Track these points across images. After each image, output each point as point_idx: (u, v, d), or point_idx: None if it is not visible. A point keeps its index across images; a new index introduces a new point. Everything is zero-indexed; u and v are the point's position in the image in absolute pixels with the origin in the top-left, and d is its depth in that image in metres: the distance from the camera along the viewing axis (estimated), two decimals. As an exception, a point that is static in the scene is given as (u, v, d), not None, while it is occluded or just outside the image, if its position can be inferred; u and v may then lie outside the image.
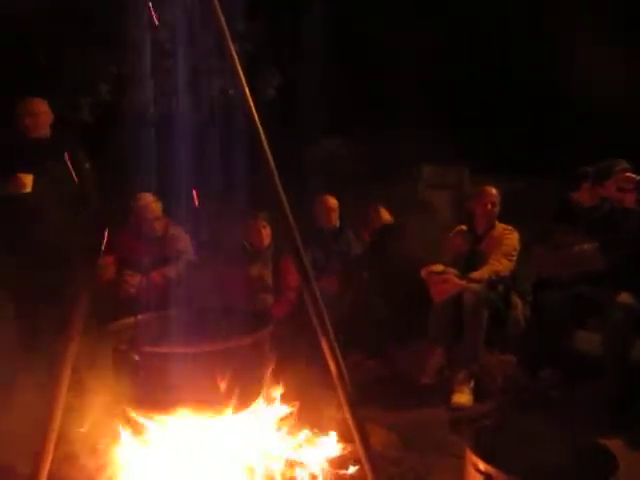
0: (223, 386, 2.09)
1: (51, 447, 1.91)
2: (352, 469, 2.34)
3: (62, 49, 6.49)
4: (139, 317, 2.16)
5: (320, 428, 2.55)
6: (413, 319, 3.79)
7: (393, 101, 7.93)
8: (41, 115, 3.68)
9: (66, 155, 3.71)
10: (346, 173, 6.74)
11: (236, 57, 2.06)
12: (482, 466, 1.88)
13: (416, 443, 2.85)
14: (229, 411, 2.19)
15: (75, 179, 3.68)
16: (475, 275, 3.59)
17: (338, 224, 4.41)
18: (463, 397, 3.40)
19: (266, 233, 4.10)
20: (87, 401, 2.45)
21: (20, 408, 3.05)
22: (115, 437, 2.30)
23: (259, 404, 2.40)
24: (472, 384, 3.47)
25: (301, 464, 2.29)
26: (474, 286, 3.53)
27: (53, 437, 1.91)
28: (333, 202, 4.42)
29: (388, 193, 5.42)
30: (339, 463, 2.38)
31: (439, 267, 3.67)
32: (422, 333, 3.69)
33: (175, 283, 3.77)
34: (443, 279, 3.60)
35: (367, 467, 1.98)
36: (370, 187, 6.13)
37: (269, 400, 2.49)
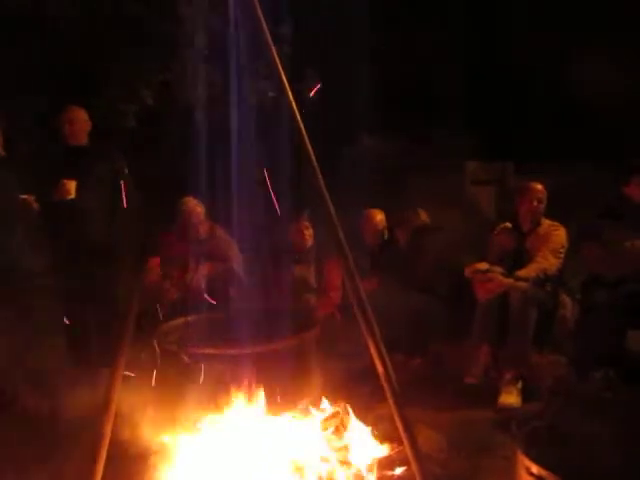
0: (270, 387, 2.11)
1: (104, 448, 1.92)
2: (399, 470, 2.32)
3: (107, 57, 6.66)
4: (188, 318, 2.20)
5: (366, 428, 2.55)
6: (459, 318, 3.74)
7: (435, 98, 7.86)
8: (79, 123, 3.79)
9: (106, 162, 3.82)
10: (389, 171, 6.69)
11: (278, 60, 2.08)
12: (535, 469, 1.84)
13: (463, 444, 2.82)
14: (276, 411, 2.21)
15: (115, 185, 3.78)
16: (522, 273, 3.51)
17: (386, 236, 4.29)
18: (511, 398, 3.34)
19: (309, 234, 4.12)
20: (139, 402, 2.49)
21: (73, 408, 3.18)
22: (167, 437, 2.34)
23: (306, 404, 2.42)
24: (520, 385, 3.41)
25: (348, 464, 2.28)
26: (521, 285, 3.46)
27: (107, 437, 1.92)
28: (380, 218, 4.23)
29: (431, 190, 5.36)
30: (386, 464, 2.37)
31: (484, 265, 3.61)
32: (468, 332, 3.64)
33: (220, 284, 3.83)
34: (488, 277, 3.54)
35: (415, 468, 1.96)
36: (413, 185, 6.08)
37: (315, 400, 2.50)
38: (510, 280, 3.50)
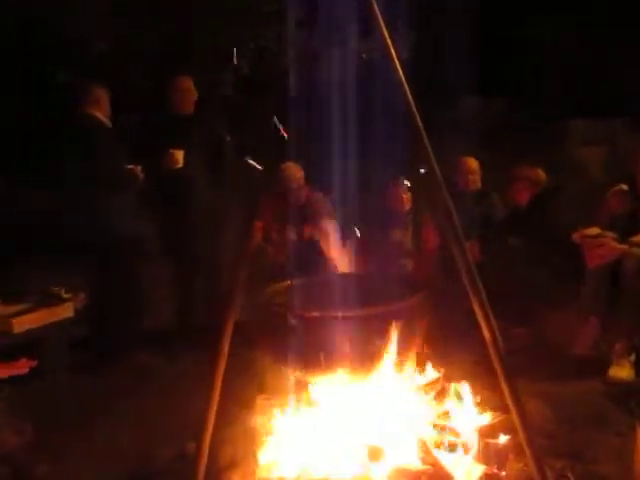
0: (374, 350, 2.13)
1: (215, 403, 1.95)
2: (503, 438, 2.28)
3: (205, 29, 6.82)
4: (293, 281, 2.25)
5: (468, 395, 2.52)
6: (567, 286, 3.56)
7: (534, 51, 7.42)
8: (185, 92, 3.87)
9: (210, 131, 3.91)
10: (489, 132, 6.42)
11: (381, 18, 2.01)
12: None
13: (570, 417, 2.71)
14: (379, 375, 2.23)
15: (219, 153, 3.87)
16: (637, 239, 3.28)
17: (480, 187, 4.22)
18: (622, 371, 3.18)
19: (406, 198, 4.08)
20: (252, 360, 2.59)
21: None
22: (275, 395, 2.42)
23: (409, 369, 2.42)
24: (633, 357, 3.23)
25: (452, 431, 2.27)
26: (636, 251, 3.23)
27: (217, 392, 1.97)
28: (474, 164, 4.20)
29: (536, 152, 5.11)
30: (489, 432, 2.32)
31: (594, 230, 3.41)
32: (576, 301, 3.47)
33: (319, 248, 3.88)
34: (599, 243, 3.35)
35: (522, 437, 1.90)
36: (515, 146, 5.80)
37: (418, 365, 2.49)
38: (624, 246, 3.28)
